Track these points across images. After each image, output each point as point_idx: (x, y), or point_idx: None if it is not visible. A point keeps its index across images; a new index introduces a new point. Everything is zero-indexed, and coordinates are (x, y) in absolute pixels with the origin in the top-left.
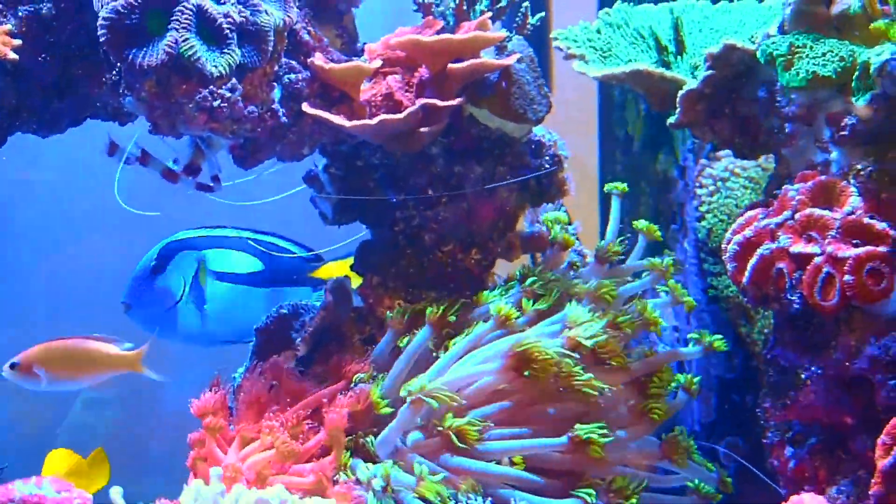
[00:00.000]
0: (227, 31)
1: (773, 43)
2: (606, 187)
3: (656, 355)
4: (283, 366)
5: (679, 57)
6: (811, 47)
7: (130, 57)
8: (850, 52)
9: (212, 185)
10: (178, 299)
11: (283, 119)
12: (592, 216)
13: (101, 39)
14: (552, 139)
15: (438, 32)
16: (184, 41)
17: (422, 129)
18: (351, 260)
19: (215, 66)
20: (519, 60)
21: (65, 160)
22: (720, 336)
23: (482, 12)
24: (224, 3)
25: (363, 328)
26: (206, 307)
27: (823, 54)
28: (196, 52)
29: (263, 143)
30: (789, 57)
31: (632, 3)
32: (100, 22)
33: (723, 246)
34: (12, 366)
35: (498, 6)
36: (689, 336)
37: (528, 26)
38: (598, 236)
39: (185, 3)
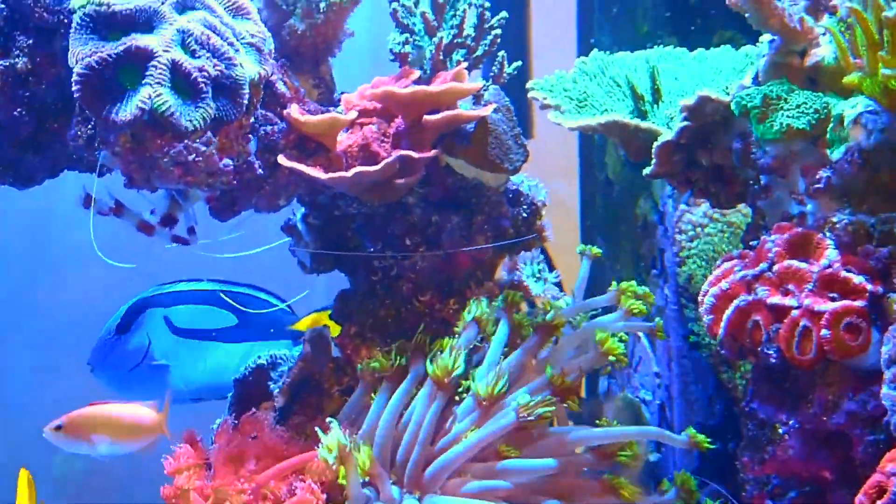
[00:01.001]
0: (202, 84)
1: (748, 95)
2: (578, 248)
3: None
4: (262, 420)
5: (655, 105)
6: (785, 99)
7: (105, 112)
8: (825, 104)
9: (188, 237)
10: (139, 361)
11: (260, 171)
12: (574, 258)
13: (76, 95)
14: (531, 185)
15: (416, 81)
16: (157, 96)
17: (398, 181)
18: (330, 311)
19: (190, 121)
20: (496, 110)
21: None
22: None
23: (458, 62)
24: (199, 57)
25: (342, 379)
26: (171, 366)
27: (798, 106)
28: (170, 108)
29: (240, 195)
30: (763, 109)
31: (608, 52)
32: (74, 77)
33: (699, 298)
34: (57, 427)
35: (474, 55)
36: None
37: (505, 75)
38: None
39: (158, 58)
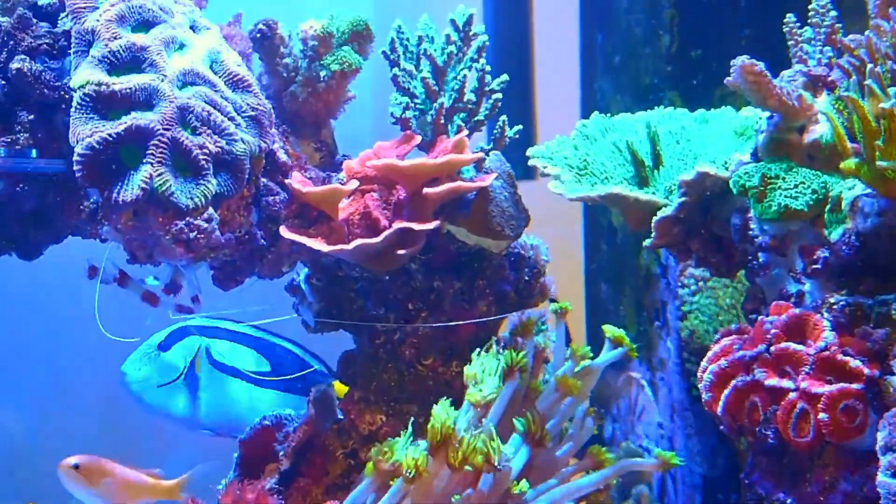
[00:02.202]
0: (203, 161)
1: (746, 174)
2: (551, 307)
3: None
4: (262, 488)
5: (656, 171)
6: (783, 178)
7: (106, 192)
8: (823, 184)
9: (192, 306)
10: (173, 379)
11: (262, 241)
12: (578, 303)
13: (77, 175)
14: (533, 246)
15: (419, 146)
16: (158, 175)
17: (399, 251)
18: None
19: (191, 199)
20: (497, 177)
21: None
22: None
23: (459, 127)
24: (200, 134)
25: (346, 442)
26: (200, 394)
27: (796, 186)
28: (171, 187)
29: (242, 264)
30: (761, 189)
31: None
32: (75, 157)
33: (698, 374)
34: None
35: (475, 119)
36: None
37: (506, 139)
38: (584, 322)
39: (159, 137)
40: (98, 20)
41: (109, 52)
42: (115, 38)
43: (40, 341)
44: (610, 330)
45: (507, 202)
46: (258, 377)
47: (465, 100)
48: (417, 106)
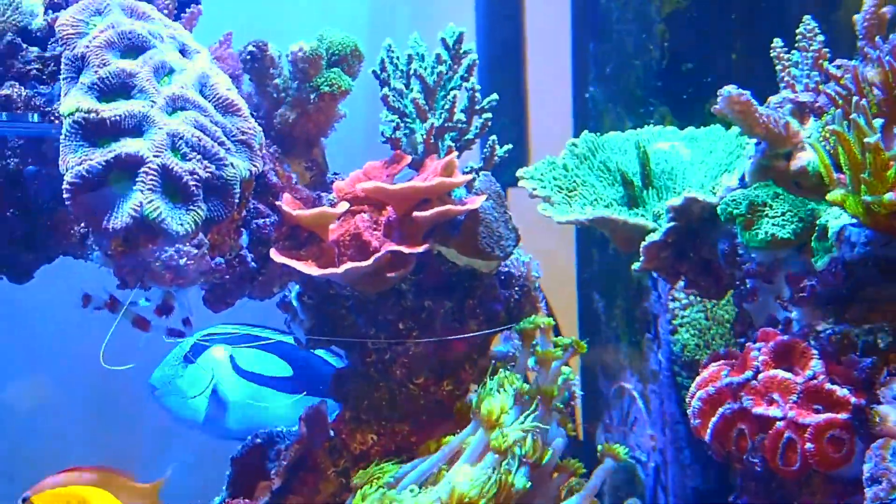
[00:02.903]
0: (193, 187)
1: (733, 201)
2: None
3: None
4: None
5: (646, 191)
6: (770, 206)
7: (96, 219)
8: (810, 212)
9: (183, 330)
10: (203, 390)
11: (252, 264)
12: (571, 311)
13: (67, 203)
14: (525, 262)
15: (410, 165)
16: (149, 202)
17: (389, 274)
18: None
19: (181, 225)
20: (487, 198)
21: None
22: None
23: (449, 148)
24: (189, 159)
25: (338, 461)
26: (229, 402)
27: (783, 213)
28: (161, 214)
29: (233, 287)
30: (749, 216)
31: (601, 123)
32: (64, 185)
33: (687, 399)
34: (24, 500)
35: (465, 138)
36: None
37: (496, 158)
38: (578, 331)
39: (149, 164)
40: (87, 46)
41: (99, 78)
42: (104, 64)
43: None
44: None
45: (497, 222)
46: (281, 382)
47: (455, 119)
48: (408, 125)
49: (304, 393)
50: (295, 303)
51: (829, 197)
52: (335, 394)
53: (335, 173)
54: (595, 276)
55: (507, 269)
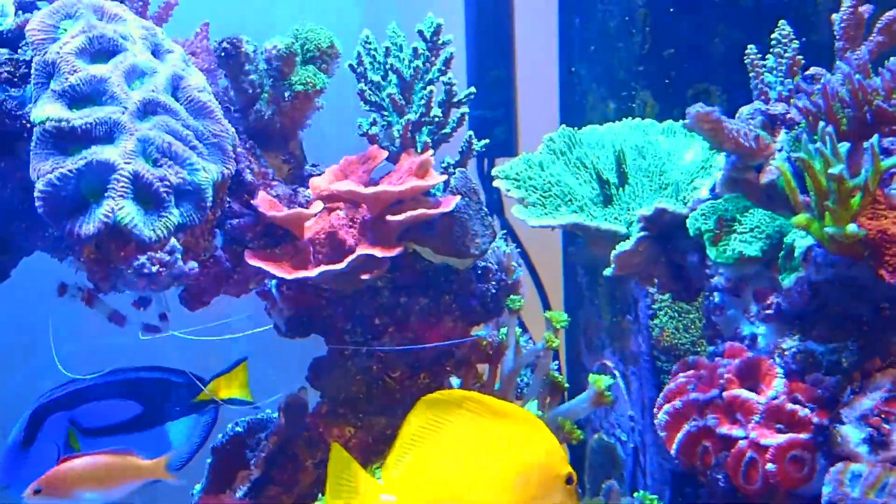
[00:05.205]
0: (164, 193)
1: (703, 216)
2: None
3: None
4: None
5: (622, 189)
6: (739, 221)
7: (68, 226)
8: (777, 229)
9: (159, 325)
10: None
11: (227, 264)
12: (558, 286)
13: (39, 210)
14: (506, 254)
15: (388, 158)
16: (120, 209)
17: (363, 276)
18: (238, 369)
19: (153, 231)
20: (462, 195)
21: None
22: None
23: (426, 144)
24: (161, 165)
25: (315, 453)
26: None
27: (751, 230)
28: (132, 220)
29: (208, 286)
30: (717, 232)
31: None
32: (36, 193)
33: (654, 411)
34: (36, 491)
35: (443, 131)
36: None
37: (474, 152)
38: (563, 305)
39: (120, 171)
40: (58, 52)
41: (69, 85)
42: (74, 70)
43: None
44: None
45: (473, 220)
46: (134, 423)
47: (431, 114)
48: (385, 118)
49: (164, 423)
50: (274, 291)
51: (794, 221)
52: (312, 381)
53: (314, 165)
54: (579, 253)
55: (484, 263)
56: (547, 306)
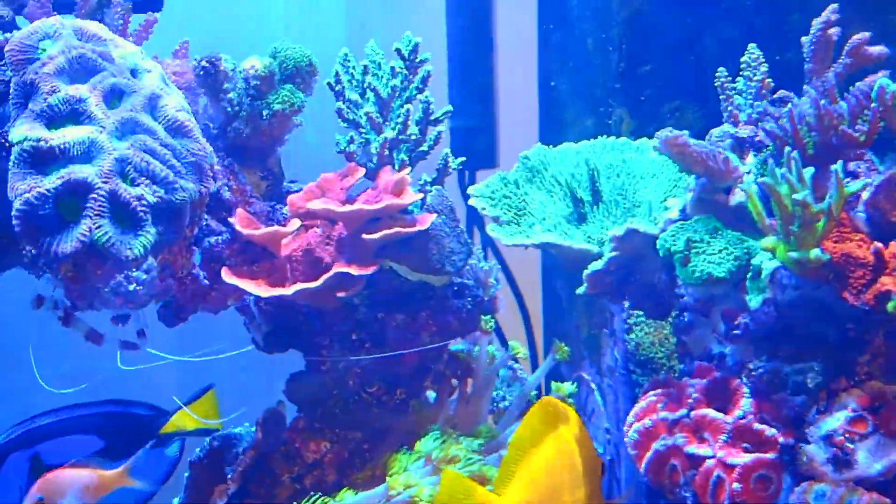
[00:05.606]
0: (142, 213)
1: (672, 237)
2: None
3: None
4: None
5: (596, 207)
6: (708, 242)
7: (45, 245)
8: (746, 250)
9: (137, 343)
10: None
11: (205, 281)
12: (537, 297)
13: (16, 229)
14: (484, 270)
15: (366, 175)
16: (97, 228)
17: (339, 294)
18: (205, 398)
19: (130, 250)
20: (438, 213)
21: None
22: None
23: (403, 162)
24: (138, 184)
25: (292, 468)
26: None
27: (719, 251)
28: (110, 239)
29: (186, 303)
30: (686, 253)
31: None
32: (14, 212)
33: (624, 429)
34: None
35: (420, 149)
36: None
37: (450, 172)
38: (542, 316)
39: (98, 190)
40: (37, 73)
41: (48, 105)
42: (53, 91)
43: None
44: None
45: (449, 238)
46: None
47: (408, 132)
48: (364, 135)
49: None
50: (253, 307)
51: (760, 244)
52: (290, 395)
53: (292, 181)
54: (557, 264)
55: (460, 280)
56: (527, 320)
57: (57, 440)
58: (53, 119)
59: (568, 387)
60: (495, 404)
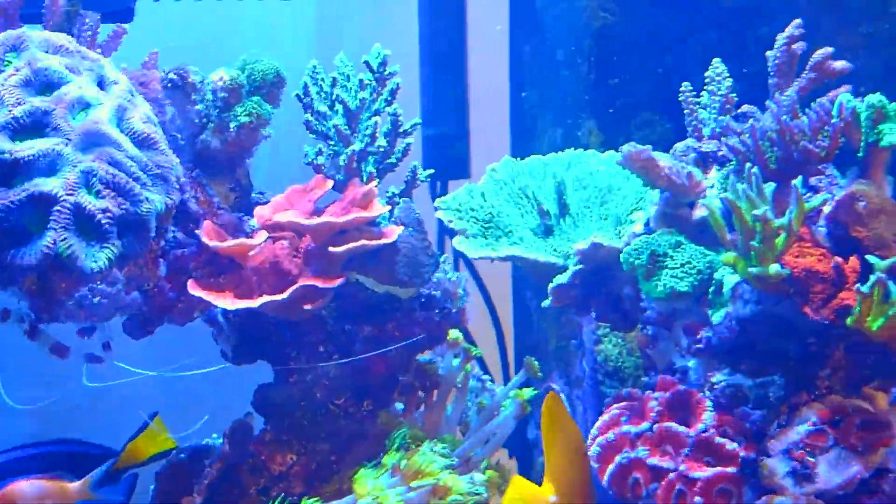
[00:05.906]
0: (107, 225)
1: (636, 251)
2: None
3: None
4: None
5: (563, 219)
6: (671, 256)
7: (9, 257)
8: (708, 265)
9: (101, 356)
10: None
11: (171, 294)
12: (508, 306)
13: None
14: (452, 281)
15: (334, 187)
16: (62, 240)
17: (305, 306)
18: (150, 429)
19: (95, 262)
20: (406, 226)
21: None
22: None
23: (371, 175)
24: (103, 197)
25: (259, 480)
26: None
27: (682, 265)
28: (74, 251)
29: (152, 315)
30: (649, 267)
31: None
32: None
33: (588, 443)
34: None
35: (388, 161)
36: None
37: (418, 184)
38: (512, 326)
39: (62, 202)
40: (2, 85)
41: (13, 118)
42: (18, 103)
43: None
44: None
45: (416, 250)
46: None
47: (377, 144)
48: (332, 147)
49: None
50: (220, 318)
51: (722, 258)
52: (258, 406)
53: (260, 192)
54: (527, 276)
55: (427, 292)
56: (499, 330)
57: (10, 480)
58: (18, 131)
59: (527, 392)
60: (466, 416)
